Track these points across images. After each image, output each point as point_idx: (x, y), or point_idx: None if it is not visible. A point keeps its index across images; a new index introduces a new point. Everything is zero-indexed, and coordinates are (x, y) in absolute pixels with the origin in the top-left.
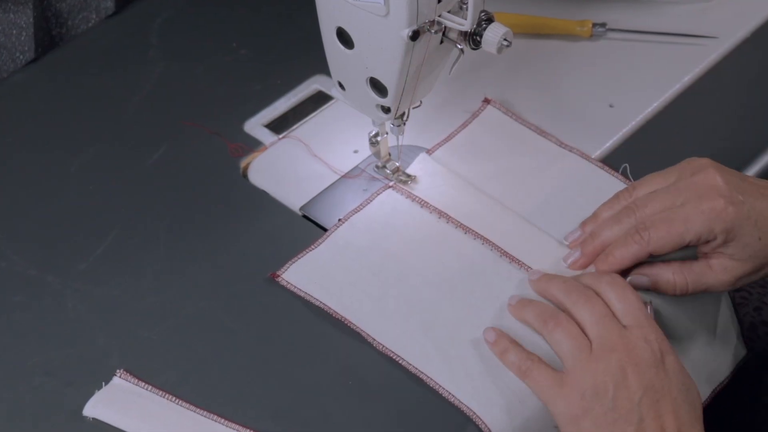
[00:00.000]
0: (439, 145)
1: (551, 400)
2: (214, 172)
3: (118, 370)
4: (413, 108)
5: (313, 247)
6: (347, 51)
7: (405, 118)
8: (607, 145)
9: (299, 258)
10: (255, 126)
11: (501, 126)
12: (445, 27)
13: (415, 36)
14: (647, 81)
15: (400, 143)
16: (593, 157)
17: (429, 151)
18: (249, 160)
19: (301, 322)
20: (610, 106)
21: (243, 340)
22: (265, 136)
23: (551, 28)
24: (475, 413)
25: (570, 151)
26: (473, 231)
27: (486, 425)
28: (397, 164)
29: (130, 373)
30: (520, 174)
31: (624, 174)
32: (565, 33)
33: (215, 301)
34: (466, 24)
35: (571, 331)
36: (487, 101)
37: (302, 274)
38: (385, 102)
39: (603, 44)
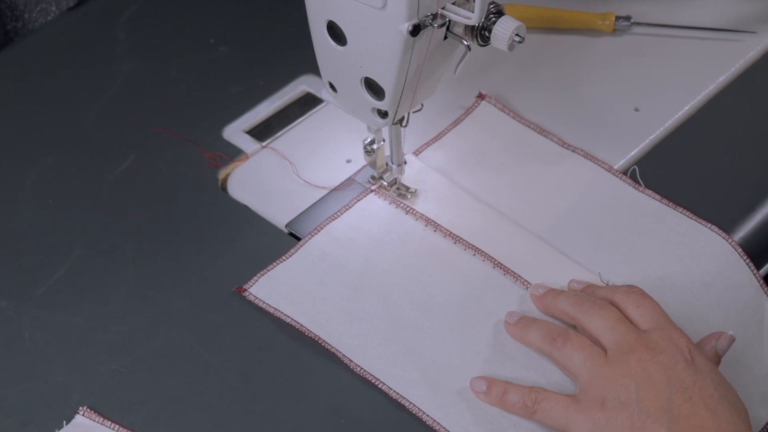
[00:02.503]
0: (427, 144)
1: (570, 424)
2: (189, 184)
3: (80, 408)
4: (413, 112)
5: (284, 258)
6: (339, 48)
7: (404, 124)
8: (632, 153)
9: (269, 270)
10: (235, 132)
11: (497, 124)
12: (450, 21)
13: (415, 31)
14: (677, 81)
15: (399, 152)
16: (616, 167)
17: (415, 152)
18: (228, 171)
19: (287, 354)
20: (636, 109)
21: (222, 375)
22: (247, 143)
23: (569, 21)
24: None
25: (573, 151)
26: (464, 241)
27: None
28: (396, 175)
29: (95, 411)
30: (518, 177)
31: (633, 177)
32: (584, 27)
33: (191, 330)
34: (474, 17)
35: (583, 342)
36: (481, 96)
37: (272, 288)
38: (382, 105)
39: (627, 40)
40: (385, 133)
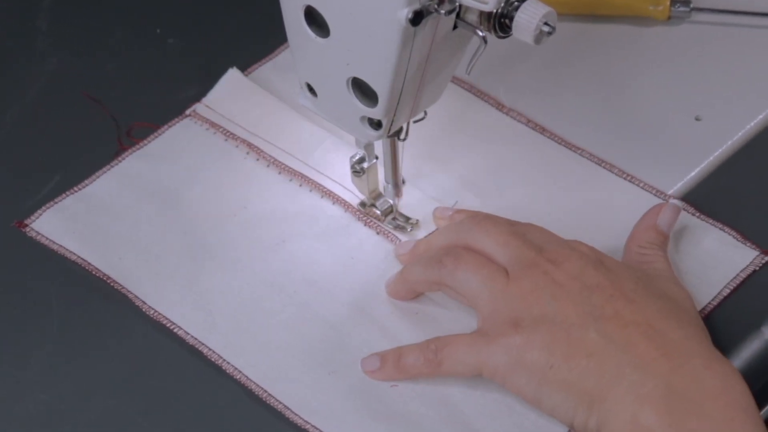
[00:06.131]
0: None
1: (483, 360)
2: None
3: None
4: (414, 122)
5: (75, 189)
6: (320, 40)
7: (402, 137)
8: (692, 174)
9: (56, 203)
10: None
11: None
12: (460, 6)
13: (417, 19)
14: (748, 83)
15: (396, 172)
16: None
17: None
18: None
19: (249, 424)
20: (697, 119)
21: None
22: None
23: (612, 7)
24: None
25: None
26: (290, 169)
27: None
28: (391, 201)
29: None
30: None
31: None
32: (632, 14)
33: (130, 396)
34: (491, 2)
35: (478, 261)
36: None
37: (58, 223)
38: (375, 113)
39: (686, 30)
40: (379, 148)
